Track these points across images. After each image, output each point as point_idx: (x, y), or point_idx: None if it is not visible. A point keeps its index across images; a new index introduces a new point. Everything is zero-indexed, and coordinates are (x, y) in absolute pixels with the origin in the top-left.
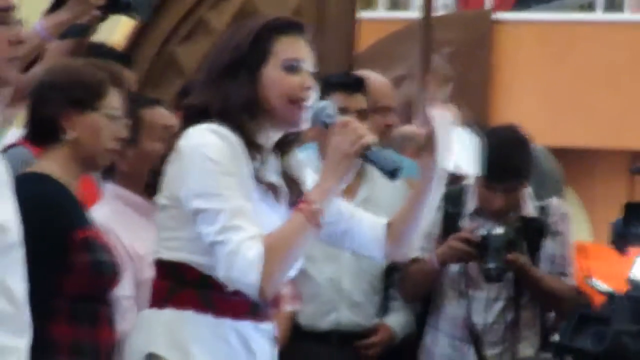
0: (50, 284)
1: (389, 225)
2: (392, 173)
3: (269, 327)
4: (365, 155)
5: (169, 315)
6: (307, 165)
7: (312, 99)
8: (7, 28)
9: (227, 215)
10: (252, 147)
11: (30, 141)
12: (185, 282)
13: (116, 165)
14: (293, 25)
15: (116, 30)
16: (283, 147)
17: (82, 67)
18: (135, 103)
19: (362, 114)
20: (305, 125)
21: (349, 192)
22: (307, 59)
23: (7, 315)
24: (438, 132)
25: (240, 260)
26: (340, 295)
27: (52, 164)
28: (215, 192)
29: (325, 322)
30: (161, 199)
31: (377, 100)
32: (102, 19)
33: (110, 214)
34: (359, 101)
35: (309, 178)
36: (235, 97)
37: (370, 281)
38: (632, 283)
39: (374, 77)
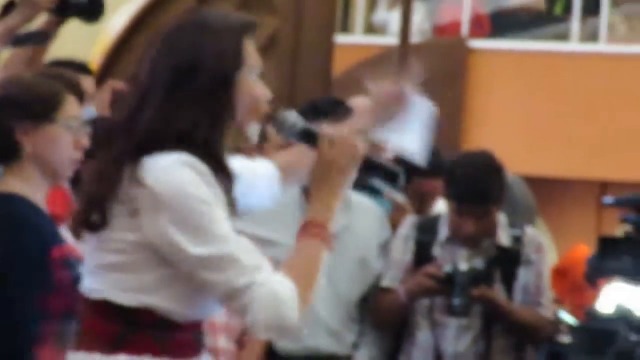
0: (36, 307)
1: None
2: (393, 178)
3: None
4: (364, 166)
5: None
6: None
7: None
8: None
9: (240, 256)
10: (224, 174)
11: None
12: (138, 326)
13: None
14: (253, 27)
15: (94, 45)
16: None
17: (35, 79)
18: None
19: None
20: None
21: None
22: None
23: None
24: (407, 109)
25: (276, 302)
26: (317, 322)
27: (17, 181)
28: (214, 235)
29: (302, 349)
30: (117, 243)
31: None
32: (59, 23)
33: None
34: None
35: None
36: (221, 114)
37: (347, 309)
38: (589, 315)
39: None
